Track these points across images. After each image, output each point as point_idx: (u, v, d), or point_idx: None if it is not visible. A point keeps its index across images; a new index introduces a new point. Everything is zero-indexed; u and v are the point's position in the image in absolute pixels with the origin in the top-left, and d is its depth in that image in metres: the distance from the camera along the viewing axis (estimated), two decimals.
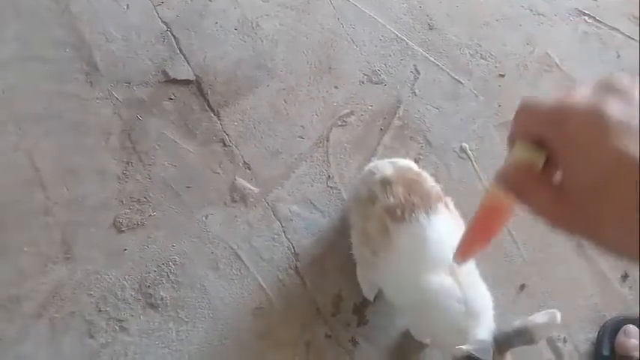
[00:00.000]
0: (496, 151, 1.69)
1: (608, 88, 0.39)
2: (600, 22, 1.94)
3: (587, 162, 0.37)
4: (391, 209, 1.17)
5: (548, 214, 0.42)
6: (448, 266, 1.13)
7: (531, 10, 1.96)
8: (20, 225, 1.55)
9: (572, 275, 1.53)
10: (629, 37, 1.91)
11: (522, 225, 1.58)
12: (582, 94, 0.39)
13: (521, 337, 1.04)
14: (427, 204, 1.17)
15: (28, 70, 1.74)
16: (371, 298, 1.45)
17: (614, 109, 0.37)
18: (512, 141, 0.47)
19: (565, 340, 1.46)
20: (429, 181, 1.27)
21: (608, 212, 0.37)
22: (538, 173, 0.44)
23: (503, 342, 1.05)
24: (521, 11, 1.95)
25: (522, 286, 1.50)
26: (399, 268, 1.19)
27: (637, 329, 1.41)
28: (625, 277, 1.53)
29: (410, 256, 1.15)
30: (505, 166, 0.46)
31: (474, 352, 1.00)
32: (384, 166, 1.29)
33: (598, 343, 1.44)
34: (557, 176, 0.44)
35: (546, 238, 1.57)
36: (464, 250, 0.74)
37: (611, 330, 1.44)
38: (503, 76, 1.82)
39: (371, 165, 1.37)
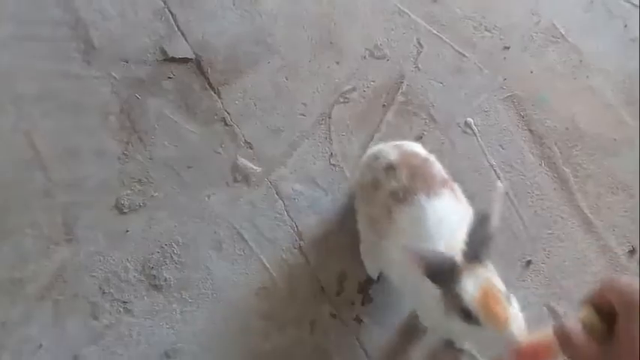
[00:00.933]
0: (501, 126, 1.66)
1: None
2: None
3: None
4: (394, 193, 1.15)
5: None
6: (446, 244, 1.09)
7: None
8: (21, 207, 1.54)
9: (579, 251, 1.52)
10: (636, 5, 1.86)
11: (528, 201, 1.56)
12: None
13: (482, 227, 0.97)
14: (430, 187, 1.14)
15: (24, 49, 1.71)
16: (375, 276, 1.44)
17: None
18: (585, 303, 0.58)
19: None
20: (436, 167, 1.23)
21: None
22: (595, 335, 0.55)
23: (472, 246, 0.96)
24: None
25: (528, 262, 1.49)
26: (400, 250, 1.16)
27: None
28: (632, 252, 1.51)
29: (410, 237, 1.13)
30: (568, 325, 0.56)
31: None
32: (388, 151, 1.26)
33: None
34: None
35: (552, 214, 1.56)
36: None
37: None
38: (508, 48, 1.78)
39: (375, 149, 1.33)
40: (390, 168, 1.19)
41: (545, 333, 0.64)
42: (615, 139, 1.65)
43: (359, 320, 1.43)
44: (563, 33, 1.81)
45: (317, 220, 1.54)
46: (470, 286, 0.92)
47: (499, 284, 0.95)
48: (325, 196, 1.56)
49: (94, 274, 1.47)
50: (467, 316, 0.93)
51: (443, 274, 0.94)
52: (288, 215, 1.54)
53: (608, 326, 0.55)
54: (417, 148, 1.32)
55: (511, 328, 0.89)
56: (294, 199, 1.56)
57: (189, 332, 1.42)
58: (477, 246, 0.95)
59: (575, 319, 0.57)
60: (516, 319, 0.90)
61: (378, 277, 1.44)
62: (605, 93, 1.72)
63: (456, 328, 0.98)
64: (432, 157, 1.27)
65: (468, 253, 0.95)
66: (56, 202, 1.54)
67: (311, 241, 1.51)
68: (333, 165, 1.60)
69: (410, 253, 0.96)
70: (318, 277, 1.47)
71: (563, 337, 0.55)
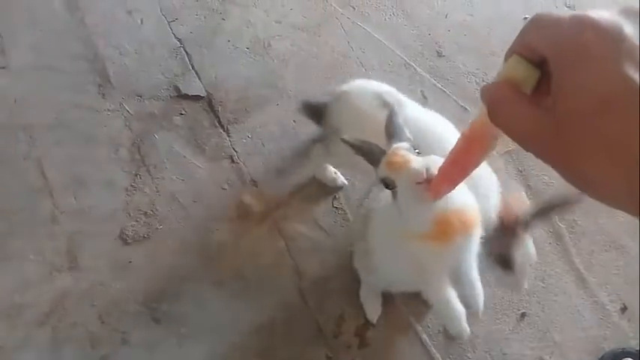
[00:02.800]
0: (500, 180, 1.71)
1: (628, 14, 0.36)
2: None
3: (591, 80, 0.34)
4: None
5: (528, 135, 0.39)
6: None
7: None
8: (27, 232, 1.56)
9: (572, 306, 1.55)
10: None
11: None
12: (601, 14, 0.36)
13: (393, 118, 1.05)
14: None
15: (41, 79, 1.76)
16: (374, 319, 1.46)
17: (632, 33, 0.34)
18: (509, 56, 0.43)
19: None
20: None
21: (595, 139, 0.35)
22: (525, 92, 0.42)
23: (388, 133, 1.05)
24: None
25: (523, 315, 1.52)
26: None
27: None
28: (624, 309, 1.54)
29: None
30: (497, 87, 0.42)
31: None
32: None
33: None
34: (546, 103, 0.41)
35: (547, 268, 1.59)
36: (438, 186, 0.71)
37: None
38: None
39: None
40: None
41: (474, 120, 0.51)
42: None
43: None
44: None
45: (318, 261, 1.56)
46: (384, 159, 0.99)
47: (404, 145, 0.99)
48: (327, 238, 1.59)
49: (94, 303, 1.48)
50: (385, 183, 0.99)
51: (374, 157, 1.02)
52: (290, 255, 1.57)
53: (543, 75, 0.42)
54: None
55: (410, 165, 0.93)
56: (296, 239, 1.59)
57: None
58: (393, 131, 1.03)
59: (502, 76, 0.43)
60: (417, 160, 0.94)
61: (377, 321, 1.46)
62: None
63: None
64: None
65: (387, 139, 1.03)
66: (62, 229, 1.57)
67: (311, 282, 1.53)
68: (336, 208, 1.63)
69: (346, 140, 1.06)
70: (317, 318, 1.49)
71: (493, 102, 0.42)
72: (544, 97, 0.41)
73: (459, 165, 0.58)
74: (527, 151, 0.40)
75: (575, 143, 0.36)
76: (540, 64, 0.41)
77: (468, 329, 1.26)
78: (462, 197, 1.05)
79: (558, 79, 0.37)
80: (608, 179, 0.35)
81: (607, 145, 0.34)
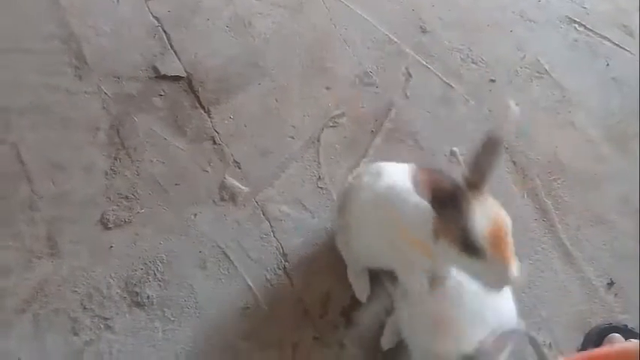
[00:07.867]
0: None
1: None
2: (590, 30, 1.95)
3: None
4: None
5: None
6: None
7: (522, 17, 1.97)
8: (5, 219, 1.52)
9: (559, 282, 1.54)
10: (618, 45, 1.93)
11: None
12: None
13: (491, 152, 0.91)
14: None
15: (14, 62, 1.71)
16: (364, 298, 1.44)
17: None
18: None
19: (550, 346, 1.47)
20: None
21: None
22: None
23: (477, 172, 0.91)
24: (512, 17, 1.97)
25: None
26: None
27: (621, 337, 1.42)
28: (611, 284, 1.54)
29: None
30: None
31: None
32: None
33: (583, 350, 1.45)
34: None
35: (533, 244, 1.58)
36: None
37: (596, 338, 1.45)
38: (493, 81, 1.83)
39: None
40: None
41: (623, 346, 0.56)
42: (595, 174, 1.70)
43: (342, 344, 1.43)
44: (548, 69, 1.86)
45: (303, 242, 1.54)
46: (481, 219, 0.87)
47: (507, 218, 0.90)
48: (312, 219, 1.57)
49: (76, 289, 1.46)
50: (470, 248, 0.89)
51: (447, 200, 0.89)
52: (274, 236, 1.55)
53: None
54: None
55: (513, 267, 0.87)
56: (281, 220, 1.57)
57: (171, 351, 1.40)
58: (483, 172, 0.89)
59: None
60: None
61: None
62: (587, 129, 1.76)
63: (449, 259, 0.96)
64: None
65: (472, 179, 0.89)
66: (40, 215, 1.53)
67: (296, 263, 1.51)
68: (321, 188, 1.61)
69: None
70: (302, 299, 1.47)
71: None
72: None
73: None
74: None
75: None
76: None
77: None
78: None
79: None
80: None
81: None
